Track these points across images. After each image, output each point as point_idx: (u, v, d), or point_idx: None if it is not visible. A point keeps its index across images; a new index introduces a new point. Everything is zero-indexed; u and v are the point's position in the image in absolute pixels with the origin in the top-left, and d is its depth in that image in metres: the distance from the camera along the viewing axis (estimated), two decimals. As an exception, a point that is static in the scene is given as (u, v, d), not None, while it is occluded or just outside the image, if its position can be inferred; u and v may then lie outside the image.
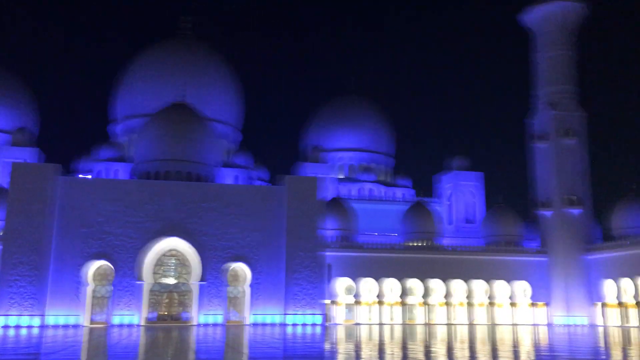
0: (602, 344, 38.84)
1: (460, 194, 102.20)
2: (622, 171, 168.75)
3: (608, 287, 78.83)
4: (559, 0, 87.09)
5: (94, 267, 71.73)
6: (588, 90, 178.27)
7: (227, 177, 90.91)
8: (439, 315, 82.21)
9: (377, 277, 79.48)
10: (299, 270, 74.02)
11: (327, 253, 76.92)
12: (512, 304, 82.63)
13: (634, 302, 75.16)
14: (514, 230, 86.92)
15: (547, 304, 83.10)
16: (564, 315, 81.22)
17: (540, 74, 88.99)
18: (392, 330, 58.69)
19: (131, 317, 70.09)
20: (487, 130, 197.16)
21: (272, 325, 71.51)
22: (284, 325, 71.21)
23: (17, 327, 65.24)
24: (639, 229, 78.39)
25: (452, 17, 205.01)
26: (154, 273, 73.93)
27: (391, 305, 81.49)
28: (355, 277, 79.03)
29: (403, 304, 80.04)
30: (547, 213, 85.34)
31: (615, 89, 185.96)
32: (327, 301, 77.43)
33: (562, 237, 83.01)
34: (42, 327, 65.81)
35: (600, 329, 66.42)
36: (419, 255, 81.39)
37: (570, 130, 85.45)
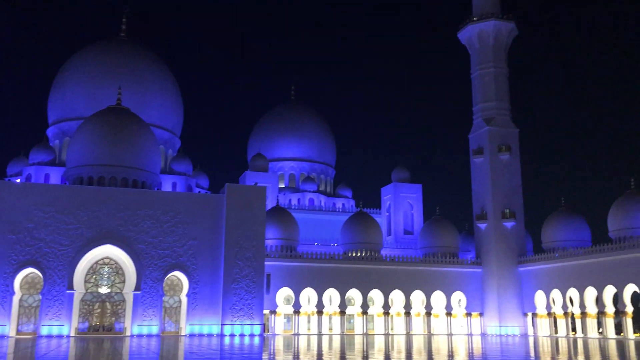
0: (532, 353, 40.12)
1: (400, 205, 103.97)
2: (553, 186, 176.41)
3: (539, 298, 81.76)
4: (491, 19, 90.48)
5: (21, 275, 68.36)
6: (520, 106, 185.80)
7: (166, 184, 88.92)
8: (378, 326, 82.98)
9: (317, 287, 79.49)
10: (238, 280, 73.06)
11: (267, 262, 76.34)
12: (448, 314, 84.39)
13: (562, 312, 78.21)
14: (450, 241, 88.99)
15: (481, 314, 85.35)
16: (497, 325, 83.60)
17: (476, 91, 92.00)
18: (330, 340, 58.72)
19: (61, 328, 67.14)
20: (429, 143, 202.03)
21: (209, 336, 70.18)
22: (221, 336, 70.00)
23: None
24: (567, 242, 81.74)
25: (398, 29, 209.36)
26: (86, 282, 71.18)
27: (330, 315, 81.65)
28: (295, 287, 78.75)
29: (342, 314, 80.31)
30: (482, 225, 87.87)
31: (545, 105, 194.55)
32: (266, 311, 76.74)
33: (496, 249, 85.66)
34: (-38, 338, 62.10)
35: (531, 339, 68.72)
36: (358, 266, 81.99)
37: (504, 145, 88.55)
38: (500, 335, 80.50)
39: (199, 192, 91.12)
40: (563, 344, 53.82)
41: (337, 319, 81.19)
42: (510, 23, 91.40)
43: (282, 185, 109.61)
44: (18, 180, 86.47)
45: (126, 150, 77.90)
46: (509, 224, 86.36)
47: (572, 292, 76.91)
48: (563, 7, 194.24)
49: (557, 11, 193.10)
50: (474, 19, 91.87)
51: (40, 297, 68.11)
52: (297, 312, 78.43)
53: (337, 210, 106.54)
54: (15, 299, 67.90)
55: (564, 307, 77.53)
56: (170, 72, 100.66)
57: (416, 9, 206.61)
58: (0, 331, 65.49)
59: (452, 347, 46.00)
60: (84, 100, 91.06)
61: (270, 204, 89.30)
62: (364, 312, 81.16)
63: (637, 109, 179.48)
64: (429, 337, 71.72)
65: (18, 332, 67.75)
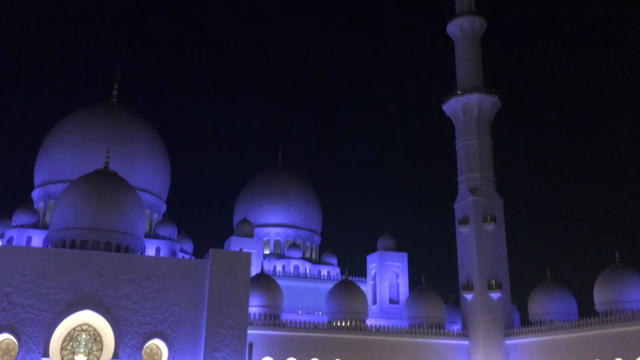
0: None
1: (385, 274, 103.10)
2: (538, 256, 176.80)
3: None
4: (475, 93, 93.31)
5: (-6, 341, 65.98)
6: (505, 176, 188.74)
7: (149, 248, 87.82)
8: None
9: (301, 357, 77.40)
10: (219, 349, 71.04)
11: (250, 331, 74.53)
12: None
13: (550, 387, 76.55)
14: (436, 312, 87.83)
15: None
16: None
17: (461, 161, 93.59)
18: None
19: (32, 399, 64.20)
20: (415, 211, 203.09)
21: (188, 408, 67.48)
22: (200, 408, 67.35)
23: None
24: (554, 315, 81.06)
25: (386, 99, 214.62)
26: (62, 349, 68.76)
27: (313, 387, 79.17)
28: (278, 356, 76.62)
29: (325, 386, 77.87)
30: (468, 296, 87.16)
31: (529, 176, 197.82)
32: (248, 382, 74.27)
33: (483, 321, 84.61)
34: None
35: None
36: (343, 336, 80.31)
37: (489, 215, 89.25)
38: (488, 411, 78.27)
39: (183, 257, 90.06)
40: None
41: (320, 392, 78.64)
42: (493, 97, 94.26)
43: (267, 252, 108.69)
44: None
45: (111, 213, 77.28)
46: (495, 295, 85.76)
47: (560, 366, 75.60)
48: (547, 80, 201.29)
49: (540, 83, 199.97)
50: (458, 92, 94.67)
51: (13, 364, 65.50)
52: (279, 383, 75.94)
53: (322, 277, 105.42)
54: (-13, 366, 65.29)
55: (552, 381, 75.96)
56: (159, 136, 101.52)
57: (402, 79, 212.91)
58: (-33, 401, 62.51)
59: None
60: (71, 162, 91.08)
61: (254, 270, 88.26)
62: (348, 385, 78.76)
63: (623, 179, 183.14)
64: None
65: (-13, 402, 64.75)
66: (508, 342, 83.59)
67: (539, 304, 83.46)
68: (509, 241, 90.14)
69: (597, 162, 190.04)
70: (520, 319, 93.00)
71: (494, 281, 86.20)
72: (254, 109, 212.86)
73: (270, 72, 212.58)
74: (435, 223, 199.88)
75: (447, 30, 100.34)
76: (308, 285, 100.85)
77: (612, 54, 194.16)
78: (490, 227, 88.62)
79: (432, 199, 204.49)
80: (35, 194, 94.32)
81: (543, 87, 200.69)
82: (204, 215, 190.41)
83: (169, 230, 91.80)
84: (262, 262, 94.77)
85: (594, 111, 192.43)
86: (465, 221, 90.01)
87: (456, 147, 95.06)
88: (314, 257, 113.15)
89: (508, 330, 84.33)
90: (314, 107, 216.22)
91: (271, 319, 79.92)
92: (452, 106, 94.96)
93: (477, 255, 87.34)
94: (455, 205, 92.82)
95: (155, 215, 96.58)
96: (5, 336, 66.23)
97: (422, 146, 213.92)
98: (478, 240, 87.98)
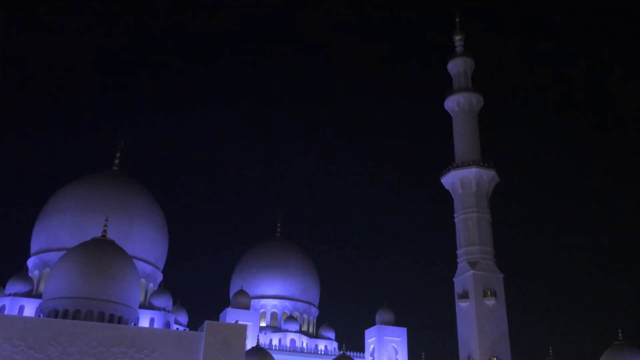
0: None
1: (384, 349, 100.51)
2: (540, 333, 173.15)
3: None
4: (473, 167, 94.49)
5: (-23, 416, 63.43)
6: (504, 251, 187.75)
7: (143, 319, 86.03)
8: None
9: None
10: None
11: (244, 408, 71.80)
12: None
13: None
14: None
15: None
16: None
17: (460, 234, 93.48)
18: None
19: None
20: (414, 286, 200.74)
21: None
22: None
23: None
24: (558, 394, 78.68)
25: (384, 174, 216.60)
26: None
27: None
28: None
29: None
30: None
31: (530, 251, 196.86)
32: None
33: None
34: None
35: None
36: (340, 415, 77.37)
37: (489, 290, 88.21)
38: None
39: (177, 328, 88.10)
40: None
41: None
42: (491, 171, 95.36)
43: (263, 324, 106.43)
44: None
45: (106, 283, 76.18)
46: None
47: None
48: (544, 153, 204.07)
49: (538, 156, 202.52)
50: (456, 165, 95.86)
51: None
52: None
53: (319, 352, 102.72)
54: None
55: None
56: (158, 205, 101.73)
57: (401, 152, 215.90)
58: None
59: None
60: (69, 231, 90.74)
61: (250, 343, 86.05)
62: None
63: (624, 256, 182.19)
64: None
65: None
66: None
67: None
68: (509, 316, 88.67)
69: (599, 235, 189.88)
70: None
71: (495, 358, 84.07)
72: (252, 179, 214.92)
73: (269, 142, 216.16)
74: (435, 297, 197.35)
75: (444, 105, 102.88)
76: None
77: (609, 118, 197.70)
78: (490, 302, 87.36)
79: (431, 273, 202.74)
80: (30, 262, 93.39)
81: (541, 160, 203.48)
82: (200, 285, 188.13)
83: (164, 301, 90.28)
84: (258, 335, 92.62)
85: (594, 181, 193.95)
86: (465, 295, 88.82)
87: (455, 220, 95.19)
88: (311, 330, 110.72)
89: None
90: (313, 179, 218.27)
91: (266, 395, 77.18)
92: (451, 179, 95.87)
93: (478, 331, 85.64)
94: (454, 279, 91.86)
95: (151, 285, 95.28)
96: (-10, 410, 63.71)
97: (421, 219, 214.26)
98: (478, 316, 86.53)
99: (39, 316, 76.50)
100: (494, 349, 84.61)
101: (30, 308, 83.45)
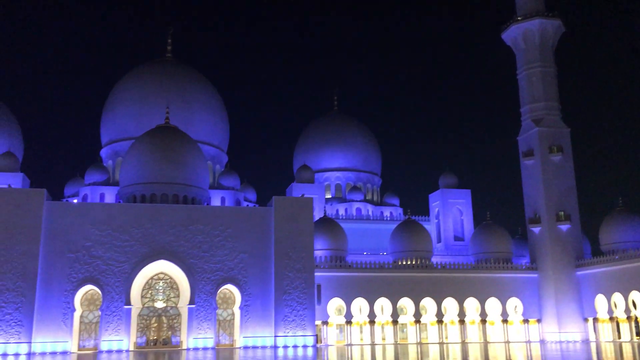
0: (595, 359, 38.70)
1: (449, 211, 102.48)
2: (608, 186, 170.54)
3: (600, 302, 78.94)
4: (536, 18, 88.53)
5: (81, 292, 70.53)
6: (570, 105, 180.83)
7: (215, 199, 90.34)
8: (432, 334, 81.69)
9: (368, 297, 78.95)
10: (289, 292, 73.36)
11: (317, 273, 76.38)
12: (504, 321, 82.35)
13: (625, 317, 75.25)
14: (503, 247, 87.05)
15: (539, 321, 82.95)
16: (557, 332, 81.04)
17: (524, 91, 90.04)
18: (384, 350, 58.17)
19: (120, 343, 68.84)
20: (476, 147, 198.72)
21: (263, 347, 70.64)
22: (274, 347, 70.34)
23: (4, 355, 63.80)
24: (627, 244, 78.79)
25: (441, 33, 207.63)
26: (142, 297, 72.86)
27: (383, 325, 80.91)
28: (345, 297, 78.46)
29: (395, 323, 79.47)
30: (536, 229, 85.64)
31: (596, 103, 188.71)
32: (318, 322, 76.68)
33: (552, 253, 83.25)
34: (29, 354, 64.43)
35: (593, 345, 66.35)
36: (409, 274, 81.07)
37: (555, 145, 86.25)
38: (560, 342, 78.02)
39: (247, 205, 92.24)
40: (627, 349, 51.70)
41: (389, 329, 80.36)
42: (556, 21, 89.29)
43: (328, 196, 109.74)
44: (75, 201, 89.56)
45: (176, 167, 79.63)
46: (564, 227, 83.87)
47: (635, 295, 73.97)
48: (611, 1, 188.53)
49: (605, 5, 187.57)
50: (518, 18, 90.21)
51: (100, 313, 70.07)
52: (349, 322, 78.08)
53: (385, 218, 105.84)
54: (76, 315, 70.05)
55: (627, 310, 74.60)
56: (215, 89, 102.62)
57: (457, 11, 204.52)
58: (63, 347, 67.59)
59: (511, 355, 44.83)
60: (133, 120, 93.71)
61: (317, 214, 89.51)
62: (417, 321, 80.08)
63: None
64: (486, 345, 70.11)
65: (80, 347, 69.82)
66: (579, 273, 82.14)
67: (611, 233, 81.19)
68: (577, 171, 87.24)
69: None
70: (591, 249, 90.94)
71: (562, 213, 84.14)
72: (307, 55, 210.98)
73: (322, 14, 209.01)
74: (498, 158, 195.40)
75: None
76: (371, 226, 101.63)
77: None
78: (556, 157, 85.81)
79: (493, 134, 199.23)
80: (103, 153, 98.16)
81: (609, 5, 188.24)
82: (265, 163, 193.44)
83: (232, 181, 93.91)
84: (325, 207, 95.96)
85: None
86: (530, 153, 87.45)
87: (518, 77, 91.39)
88: (375, 198, 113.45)
89: (579, 261, 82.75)
90: (367, 52, 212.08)
91: (337, 261, 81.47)
92: (512, 34, 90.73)
93: (544, 188, 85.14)
94: (518, 138, 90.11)
95: (218, 167, 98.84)
96: (90, 287, 70.61)
97: (481, 80, 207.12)
98: (544, 172, 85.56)
99: (119, 202, 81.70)
100: (561, 204, 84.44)
101: (109, 195, 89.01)
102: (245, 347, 70.97)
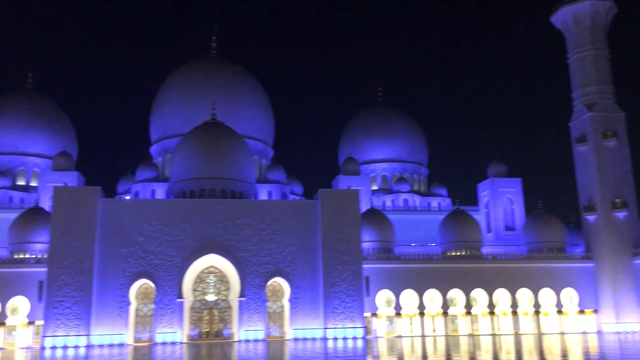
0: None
1: (499, 201, 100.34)
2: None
3: (659, 291, 76.02)
4: (587, 0, 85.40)
5: (135, 286, 72.64)
6: (624, 88, 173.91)
7: (261, 192, 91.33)
8: (483, 326, 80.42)
9: (417, 288, 78.33)
10: (337, 284, 73.56)
11: (365, 265, 76.26)
12: (559, 312, 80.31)
13: (688, 306, 72.19)
14: (556, 236, 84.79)
15: (595, 311, 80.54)
16: (614, 322, 78.51)
17: (575, 76, 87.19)
18: (435, 342, 57.62)
19: (174, 335, 70.60)
20: (526, 135, 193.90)
21: (313, 339, 71.09)
22: (324, 339, 70.68)
23: (64, 347, 66.42)
24: (688, 231, 75.50)
25: (488, 19, 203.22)
26: (194, 290, 74.46)
27: (433, 316, 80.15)
28: (394, 288, 78.07)
29: (445, 315, 78.62)
30: (590, 217, 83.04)
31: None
32: (367, 314, 76.60)
33: (608, 242, 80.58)
34: (88, 346, 66.86)
35: (653, 336, 63.87)
36: (459, 265, 80.00)
37: (609, 131, 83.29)
38: (619, 333, 75.47)
39: (294, 199, 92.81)
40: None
41: (440, 320, 79.55)
42: (607, 1, 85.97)
43: (374, 187, 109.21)
44: (127, 197, 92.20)
45: (223, 162, 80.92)
46: (620, 215, 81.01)
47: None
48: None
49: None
50: (567, 0, 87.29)
51: (154, 306, 71.99)
52: (398, 314, 77.71)
53: (433, 209, 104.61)
54: (132, 308, 72.22)
55: (690, 301, 71.52)
56: (259, 84, 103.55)
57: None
58: (119, 339, 69.86)
59: (569, 347, 43.69)
60: (181, 117, 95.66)
61: (364, 206, 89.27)
62: (468, 312, 78.98)
63: None
64: (540, 336, 68.53)
65: (135, 340, 71.98)
66: (637, 261, 79.23)
67: (671, 221, 77.95)
68: (633, 156, 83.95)
69: None
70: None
71: (618, 200, 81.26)
72: (349, 47, 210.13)
73: (364, 6, 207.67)
74: (548, 145, 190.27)
75: None
76: (418, 217, 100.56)
77: None
78: (611, 143, 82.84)
79: (544, 120, 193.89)
80: (153, 150, 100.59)
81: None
82: (310, 156, 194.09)
83: (278, 174, 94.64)
84: (371, 198, 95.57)
85: None
86: (583, 139, 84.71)
87: (568, 61, 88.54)
88: (422, 189, 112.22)
89: (636, 249, 79.79)
90: (411, 43, 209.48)
91: (384, 252, 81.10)
92: (562, 17, 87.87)
93: (599, 174, 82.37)
94: (570, 124, 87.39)
95: (264, 161, 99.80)
96: (143, 281, 72.62)
97: (530, 65, 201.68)
98: (598, 159, 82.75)
99: (170, 198, 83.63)
100: (617, 191, 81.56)
101: (160, 191, 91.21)
102: (296, 339, 71.61)
